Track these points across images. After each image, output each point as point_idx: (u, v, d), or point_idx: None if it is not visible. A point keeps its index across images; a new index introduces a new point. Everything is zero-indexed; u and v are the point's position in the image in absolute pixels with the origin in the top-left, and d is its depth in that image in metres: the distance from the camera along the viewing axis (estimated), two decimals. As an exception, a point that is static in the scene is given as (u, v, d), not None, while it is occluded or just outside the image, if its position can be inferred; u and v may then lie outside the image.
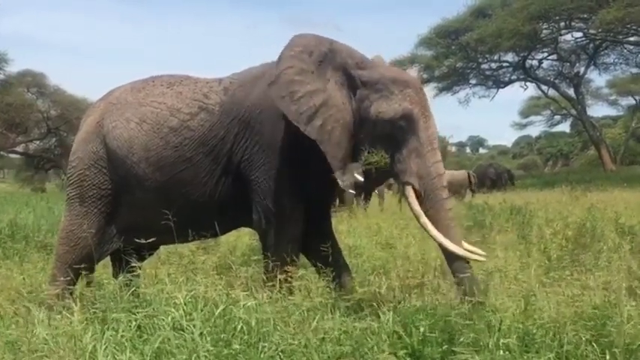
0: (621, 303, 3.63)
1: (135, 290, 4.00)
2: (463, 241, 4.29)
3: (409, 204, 4.28)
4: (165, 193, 4.59)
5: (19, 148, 38.69)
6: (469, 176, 20.35)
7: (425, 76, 34.16)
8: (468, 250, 4.22)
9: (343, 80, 4.46)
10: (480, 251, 4.32)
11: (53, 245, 5.87)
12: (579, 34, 33.88)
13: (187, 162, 4.56)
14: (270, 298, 3.79)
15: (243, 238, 7.12)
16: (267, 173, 4.50)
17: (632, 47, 34.06)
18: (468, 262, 4.15)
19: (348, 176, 4.43)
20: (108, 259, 5.09)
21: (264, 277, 4.34)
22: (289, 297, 3.85)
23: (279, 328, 3.42)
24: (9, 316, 4.19)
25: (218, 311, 3.43)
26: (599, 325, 3.44)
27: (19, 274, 5.67)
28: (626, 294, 3.99)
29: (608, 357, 3.26)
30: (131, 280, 4.21)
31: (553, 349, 3.29)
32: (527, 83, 37.83)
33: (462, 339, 3.38)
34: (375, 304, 3.89)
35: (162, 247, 5.19)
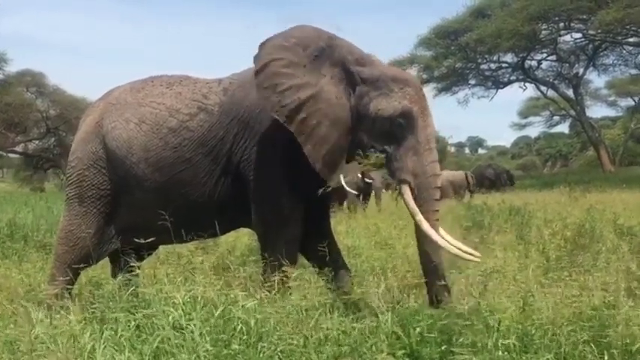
0: (620, 304, 3.64)
1: (134, 290, 4.00)
2: (459, 242, 4.30)
3: (405, 202, 4.28)
4: (164, 194, 4.59)
5: (19, 148, 38.69)
6: (467, 177, 20.35)
7: (424, 76, 34.20)
8: (463, 251, 4.23)
9: (342, 76, 4.44)
10: (475, 252, 4.32)
11: (52, 245, 5.87)
12: (578, 35, 33.96)
13: (186, 162, 4.56)
14: (269, 298, 3.79)
15: (242, 238, 7.11)
16: (266, 173, 4.50)
17: (631, 48, 34.12)
18: (441, 272, 4.18)
19: (336, 175, 4.44)
20: (107, 259, 5.09)
21: (263, 278, 4.34)
22: (288, 297, 3.85)
23: (278, 328, 3.42)
24: (8, 315, 4.19)
25: (218, 312, 3.43)
26: (598, 325, 3.44)
27: (18, 273, 5.67)
28: (625, 295, 3.99)
29: (606, 358, 3.26)
30: (130, 280, 4.21)
31: (552, 350, 3.30)
32: (527, 84, 37.92)
33: (460, 339, 3.38)
34: (373, 304, 3.89)
35: (161, 247, 5.18)
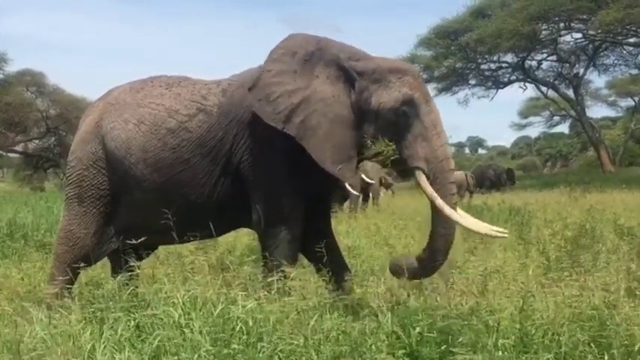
0: (620, 304, 3.64)
1: (133, 290, 4.00)
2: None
3: (423, 188, 4.27)
4: (163, 194, 4.59)
5: (18, 148, 38.68)
6: (467, 177, 20.36)
7: (424, 76, 34.15)
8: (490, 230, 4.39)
9: (338, 74, 4.46)
10: (501, 229, 4.43)
11: (52, 244, 5.87)
12: (579, 35, 33.97)
13: (185, 163, 4.56)
14: (269, 298, 3.79)
15: (242, 238, 7.11)
16: (266, 173, 4.50)
17: (631, 48, 34.12)
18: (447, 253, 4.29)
19: (349, 171, 4.44)
20: (107, 258, 5.08)
21: (263, 277, 4.34)
22: (288, 297, 3.85)
23: (277, 327, 3.42)
24: (7, 315, 4.19)
25: (217, 311, 3.43)
26: (598, 326, 3.44)
27: (18, 273, 5.67)
28: (625, 295, 3.99)
29: (606, 358, 3.27)
30: (130, 280, 4.21)
31: (551, 350, 3.30)
32: (527, 84, 37.91)
33: (460, 339, 3.38)
34: (373, 304, 3.89)
35: (160, 247, 5.18)
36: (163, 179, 4.59)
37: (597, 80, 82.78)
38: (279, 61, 4.50)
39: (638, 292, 4.23)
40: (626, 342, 3.33)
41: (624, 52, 35.01)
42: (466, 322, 3.51)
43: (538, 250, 6.26)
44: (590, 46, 35.01)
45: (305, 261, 4.91)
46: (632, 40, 32.81)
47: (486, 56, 35.44)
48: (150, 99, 4.74)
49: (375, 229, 8.75)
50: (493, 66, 37.45)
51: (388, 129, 4.34)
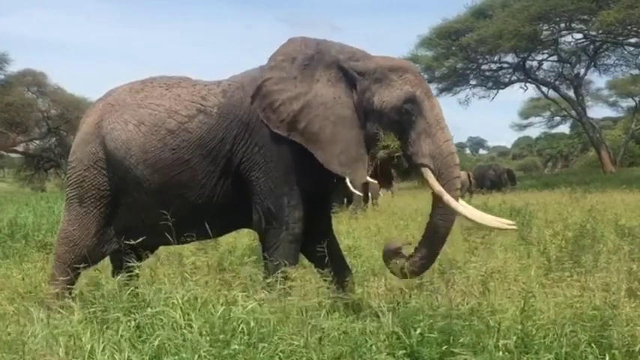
0: (621, 304, 3.63)
1: (134, 290, 4.00)
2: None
3: (430, 185, 4.28)
4: (163, 195, 4.59)
5: (20, 148, 38.70)
6: (468, 177, 20.35)
7: (425, 76, 34.09)
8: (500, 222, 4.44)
9: (339, 75, 4.48)
10: (508, 221, 4.48)
11: (53, 245, 5.86)
12: (579, 36, 33.86)
13: (185, 164, 4.56)
14: (270, 298, 3.78)
15: (243, 238, 7.11)
16: (267, 174, 4.50)
17: (632, 49, 34.03)
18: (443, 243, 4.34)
19: (358, 172, 4.42)
20: (107, 259, 5.08)
21: (264, 278, 4.34)
22: (288, 297, 3.85)
23: (278, 328, 3.42)
24: (8, 315, 4.19)
25: (218, 312, 3.43)
26: (599, 326, 3.44)
27: (19, 273, 5.67)
28: (626, 295, 3.99)
29: (607, 358, 3.26)
30: (130, 280, 4.21)
31: (552, 351, 3.29)
32: (528, 84, 37.79)
33: (461, 340, 3.38)
34: (374, 304, 3.89)
35: (161, 248, 5.18)
36: (163, 180, 4.58)
37: (598, 80, 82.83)
38: (279, 68, 4.52)
39: (639, 293, 4.23)
40: (627, 342, 3.33)
41: (625, 52, 34.94)
42: (467, 323, 3.51)
43: (539, 250, 6.27)
44: (591, 46, 34.95)
45: (305, 261, 4.91)
46: (632, 40, 32.73)
47: (487, 56, 35.37)
48: (150, 100, 4.74)
49: (375, 229, 8.75)
50: (494, 66, 37.38)
51: (392, 127, 4.35)
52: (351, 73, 4.45)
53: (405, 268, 4.24)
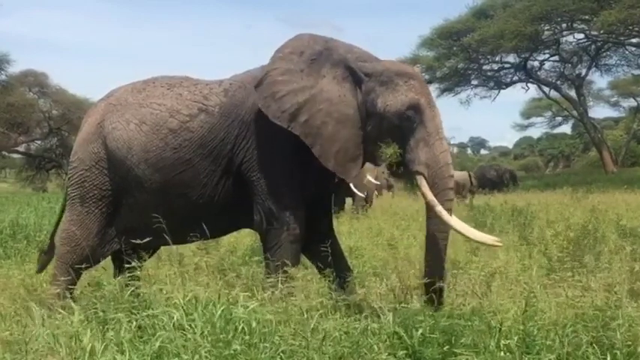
0: (623, 304, 3.63)
1: (135, 290, 4.00)
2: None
3: (422, 193, 4.32)
4: (164, 195, 4.59)
5: (21, 148, 38.71)
6: (469, 178, 20.34)
7: (426, 77, 34.10)
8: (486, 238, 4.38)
9: (345, 75, 4.49)
10: (495, 238, 4.44)
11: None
12: (581, 36, 33.82)
13: (187, 163, 4.56)
14: (271, 298, 3.78)
15: (244, 238, 7.11)
16: (268, 174, 4.50)
17: (633, 49, 33.99)
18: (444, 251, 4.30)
19: (354, 171, 4.44)
20: (109, 259, 5.08)
21: (266, 278, 4.34)
22: (290, 298, 3.85)
23: (279, 328, 3.42)
24: (10, 315, 4.19)
25: (219, 312, 3.42)
26: (600, 326, 3.43)
27: (20, 273, 5.67)
28: (628, 295, 3.98)
29: (609, 359, 3.25)
30: (131, 280, 4.20)
31: (554, 351, 3.29)
32: (529, 84, 37.75)
33: (462, 340, 3.38)
34: (375, 304, 3.88)
35: (162, 248, 5.18)
36: (165, 179, 4.58)
37: (599, 81, 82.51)
38: (286, 59, 4.51)
39: (641, 293, 4.23)
40: (628, 342, 3.32)
41: (626, 52, 34.90)
42: (469, 323, 3.51)
43: (540, 250, 6.26)
44: (593, 46, 34.91)
45: (306, 261, 4.91)
46: (634, 40, 32.69)
47: (489, 57, 35.33)
48: (151, 99, 4.74)
49: (377, 229, 8.75)
50: (495, 66, 37.35)
51: (392, 132, 4.36)
52: (358, 73, 4.46)
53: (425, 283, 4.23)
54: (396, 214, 11.74)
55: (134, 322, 3.52)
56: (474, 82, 37.82)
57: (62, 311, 3.85)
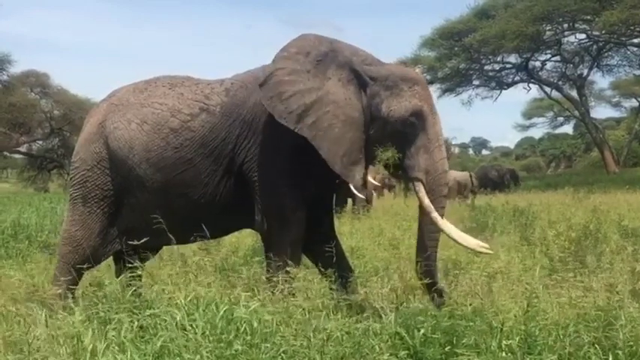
0: (625, 305, 3.62)
1: (137, 290, 4.00)
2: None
3: (420, 199, 4.39)
4: (166, 194, 4.59)
5: (23, 148, 38.77)
6: (471, 178, 20.34)
7: (428, 77, 34.09)
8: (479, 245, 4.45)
9: (350, 77, 4.48)
10: (486, 245, 4.51)
11: (56, 245, 5.87)
12: (583, 36, 33.79)
13: (188, 163, 4.56)
14: (272, 299, 3.78)
15: (245, 239, 7.11)
16: (269, 174, 4.50)
17: (635, 49, 33.97)
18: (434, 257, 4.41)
19: (358, 174, 4.45)
20: (111, 259, 5.08)
21: (267, 278, 4.34)
22: (291, 298, 3.85)
23: (281, 328, 3.42)
24: (11, 315, 4.19)
25: (221, 312, 3.42)
26: (603, 326, 3.43)
27: (22, 273, 5.67)
28: (630, 296, 3.97)
29: (611, 359, 3.25)
30: (133, 280, 4.20)
31: (556, 351, 3.29)
32: (531, 85, 37.73)
33: (464, 340, 3.38)
34: (377, 305, 3.88)
35: (164, 248, 5.18)
36: (166, 179, 4.59)
37: (601, 81, 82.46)
38: (292, 59, 4.49)
39: (642, 293, 4.21)
40: (630, 343, 3.32)
41: (628, 52, 34.87)
42: (470, 323, 3.50)
43: (542, 251, 6.26)
44: (594, 46, 34.88)
45: (307, 262, 4.90)
46: (636, 40, 32.66)
47: (490, 57, 35.32)
48: (153, 99, 4.74)
49: (378, 230, 8.74)
50: (497, 67, 37.32)
51: (394, 136, 4.39)
52: (363, 76, 4.47)
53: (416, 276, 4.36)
54: (397, 214, 11.72)
55: (136, 322, 3.52)
56: (476, 83, 37.81)
57: (62, 312, 3.85)
